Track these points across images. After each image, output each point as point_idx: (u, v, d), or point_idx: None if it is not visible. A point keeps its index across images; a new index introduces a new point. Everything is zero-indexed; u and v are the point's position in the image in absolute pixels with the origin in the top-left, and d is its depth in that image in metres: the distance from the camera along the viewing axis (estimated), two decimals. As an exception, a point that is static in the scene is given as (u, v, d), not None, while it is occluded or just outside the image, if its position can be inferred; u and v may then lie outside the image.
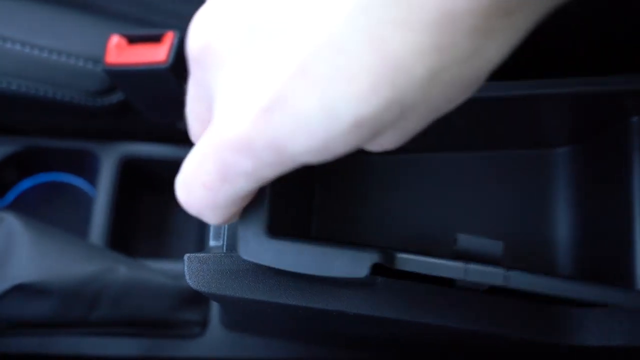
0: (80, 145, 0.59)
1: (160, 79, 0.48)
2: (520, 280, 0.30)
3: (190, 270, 0.33)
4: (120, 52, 0.48)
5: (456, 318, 0.35)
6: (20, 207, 0.63)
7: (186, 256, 0.33)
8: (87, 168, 0.61)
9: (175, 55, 0.47)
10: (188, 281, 0.33)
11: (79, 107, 0.53)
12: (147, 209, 0.65)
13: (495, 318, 0.35)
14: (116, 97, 0.55)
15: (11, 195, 0.63)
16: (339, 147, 0.19)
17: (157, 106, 0.52)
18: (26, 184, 0.64)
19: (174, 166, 0.60)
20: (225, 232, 0.35)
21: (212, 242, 0.37)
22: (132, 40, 0.49)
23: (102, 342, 0.52)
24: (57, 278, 0.45)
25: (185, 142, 0.60)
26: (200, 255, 0.33)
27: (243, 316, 0.46)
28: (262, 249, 0.29)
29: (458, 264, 0.30)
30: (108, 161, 0.58)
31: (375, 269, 0.29)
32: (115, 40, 0.49)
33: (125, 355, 0.52)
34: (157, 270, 0.51)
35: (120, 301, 0.48)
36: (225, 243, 0.35)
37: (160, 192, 0.65)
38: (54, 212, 0.64)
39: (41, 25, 0.51)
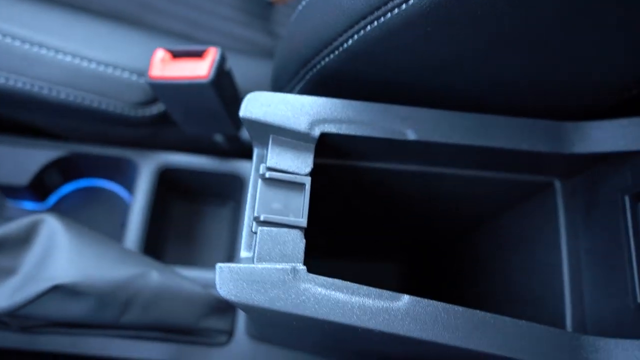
0: (121, 153, 0.61)
1: (201, 92, 0.50)
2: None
3: (221, 279, 0.34)
4: (164, 66, 0.50)
5: (480, 340, 0.35)
6: (60, 210, 0.65)
7: (218, 266, 0.34)
8: (126, 175, 0.63)
9: (216, 70, 0.49)
10: (219, 290, 0.34)
11: (122, 117, 0.55)
12: (180, 216, 0.67)
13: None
14: (157, 109, 0.57)
15: (53, 199, 0.65)
16: None
17: (195, 119, 0.54)
18: (67, 188, 0.66)
19: (208, 177, 0.62)
20: (257, 244, 0.36)
21: (243, 253, 0.38)
22: (176, 55, 0.51)
23: (131, 345, 0.53)
24: (94, 281, 0.46)
25: (220, 154, 0.62)
26: (232, 265, 0.34)
27: (270, 327, 0.47)
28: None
29: None
30: (146, 169, 0.60)
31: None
32: (160, 54, 0.51)
33: (152, 359, 0.53)
34: (187, 278, 0.53)
35: (151, 306, 0.49)
36: (256, 254, 0.36)
37: (193, 201, 0.66)
38: (93, 216, 0.66)
39: (91, 38, 0.54)
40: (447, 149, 0.42)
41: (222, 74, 0.48)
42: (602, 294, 0.44)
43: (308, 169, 0.38)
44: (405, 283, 0.76)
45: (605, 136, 0.42)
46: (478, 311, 0.37)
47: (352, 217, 0.60)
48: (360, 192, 0.51)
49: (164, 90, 0.51)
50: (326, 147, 0.42)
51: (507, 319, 0.37)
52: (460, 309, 0.36)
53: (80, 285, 0.46)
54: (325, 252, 0.72)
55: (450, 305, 0.36)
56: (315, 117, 0.39)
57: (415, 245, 0.72)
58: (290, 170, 0.38)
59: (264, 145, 0.40)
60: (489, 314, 0.37)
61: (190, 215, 0.66)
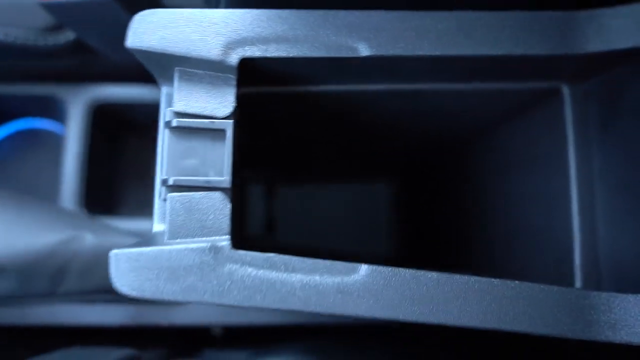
0: (43, 91, 0.51)
1: (107, 12, 0.39)
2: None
3: (117, 270, 0.26)
4: (54, -20, 0.39)
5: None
6: (-4, 158, 0.57)
7: (112, 253, 0.26)
8: (57, 113, 0.54)
9: (118, -20, 0.38)
10: (114, 284, 0.26)
11: (28, 47, 0.45)
12: (137, 158, 0.58)
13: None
14: (71, 34, 0.46)
15: (-17, 147, 0.57)
16: None
17: (114, 43, 0.44)
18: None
19: (152, 109, 0.53)
20: (168, 216, 0.28)
21: (156, 226, 0.30)
22: (71, -37, 0.39)
23: (82, 310, 0.47)
24: (10, 253, 0.39)
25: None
26: (131, 251, 0.26)
27: None
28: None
29: None
30: (76, 107, 0.51)
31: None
32: (49, -36, 0.39)
33: (108, 324, 0.47)
34: (132, 233, 0.45)
35: (89, 272, 0.43)
36: (167, 230, 0.28)
37: (144, 138, 0.57)
38: (34, 162, 0.58)
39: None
40: (415, 62, 0.31)
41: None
42: (619, 227, 0.35)
43: (228, 110, 0.29)
44: (397, 207, 0.68)
45: (629, 27, 0.31)
46: (458, 276, 0.29)
47: (315, 145, 0.51)
48: (313, 120, 0.42)
49: (60, 13, 0.40)
50: (255, 72, 0.32)
51: (495, 281, 0.29)
52: (435, 275, 0.29)
53: (-7, 261, 0.39)
54: (301, 178, 0.64)
55: (422, 271, 0.28)
56: (231, 37, 0.29)
57: (404, 166, 0.63)
58: (206, 113, 0.29)
59: (170, 82, 0.30)
60: (472, 278, 0.29)
61: (150, 154, 0.57)
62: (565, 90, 0.38)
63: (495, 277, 0.45)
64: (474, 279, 0.29)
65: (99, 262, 0.43)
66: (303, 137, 0.48)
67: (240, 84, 0.33)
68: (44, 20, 0.45)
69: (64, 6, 0.39)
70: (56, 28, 0.45)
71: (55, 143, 0.58)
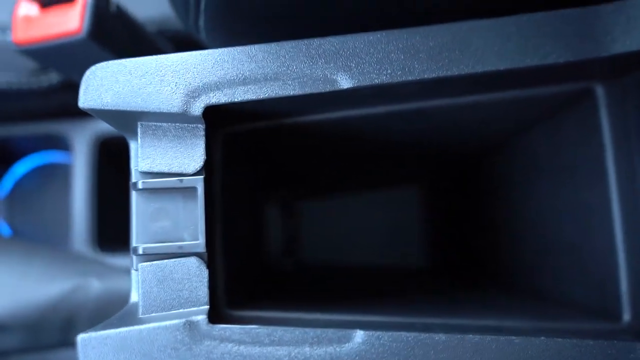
0: (47, 128, 0.50)
1: (82, 51, 0.37)
2: None
3: (85, 356, 0.24)
4: (28, 25, 0.37)
5: None
6: (16, 197, 0.57)
7: (80, 337, 0.24)
8: (66, 148, 0.53)
9: (92, 18, 0.36)
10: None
11: (22, 91, 0.44)
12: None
13: None
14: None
15: (5, 187, 0.57)
16: None
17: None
18: (19, 170, 0.58)
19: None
20: (140, 287, 0.25)
21: (133, 295, 0.27)
22: (45, 3, 0.37)
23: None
24: (15, 310, 0.38)
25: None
26: (100, 334, 0.24)
27: None
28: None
29: None
30: (80, 140, 0.50)
31: None
32: (23, 8, 0.37)
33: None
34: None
35: (100, 318, 0.41)
36: (140, 304, 0.25)
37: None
38: (49, 193, 0.58)
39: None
40: (409, 87, 0.27)
41: (104, 20, 0.34)
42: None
43: (198, 165, 0.26)
44: (425, 218, 0.63)
45: None
46: (470, 336, 0.25)
47: (326, 164, 0.47)
48: (314, 145, 0.38)
49: (36, 56, 0.38)
50: (231, 114, 0.28)
51: (516, 340, 0.25)
52: (443, 337, 0.25)
53: (-2, 320, 0.38)
54: (320, 195, 0.60)
55: (426, 334, 0.25)
56: (192, 85, 0.26)
57: (430, 177, 0.58)
58: (174, 170, 0.26)
59: (136, 137, 0.27)
60: (487, 338, 0.25)
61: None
62: (600, 91, 0.33)
63: (525, 297, 0.40)
64: (489, 338, 0.25)
65: (108, 306, 0.42)
66: (311, 160, 0.44)
67: (219, 127, 0.30)
68: (33, 63, 0.43)
69: (41, 50, 0.37)
70: (45, 68, 0.44)
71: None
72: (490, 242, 0.48)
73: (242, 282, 0.36)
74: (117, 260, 0.48)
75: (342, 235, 0.60)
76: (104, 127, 0.51)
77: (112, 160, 0.52)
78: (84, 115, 0.51)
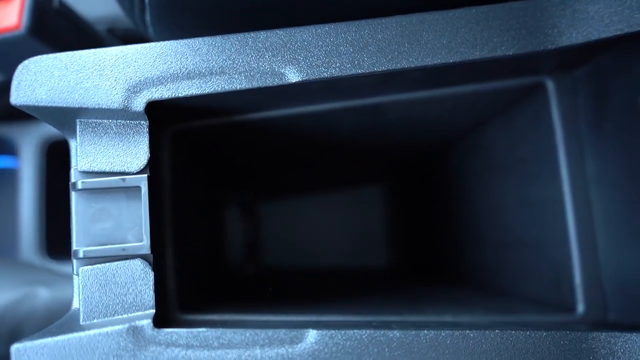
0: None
1: (23, 48, 0.35)
2: None
3: (21, 368, 0.22)
4: (-37, 21, 0.35)
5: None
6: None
7: (14, 347, 0.22)
8: (14, 152, 0.50)
9: (32, 12, 0.34)
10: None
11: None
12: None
13: None
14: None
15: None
16: None
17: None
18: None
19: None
20: (80, 293, 0.24)
21: (75, 301, 0.26)
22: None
23: None
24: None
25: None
26: (35, 343, 0.23)
27: None
28: None
29: None
30: (27, 144, 0.48)
31: None
32: (-42, 3, 0.35)
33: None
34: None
35: (48, 323, 0.39)
36: (82, 311, 0.24)
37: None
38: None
39: None
40: (359, 80, 0.27)
41: (46, 16, 0.33)
42: (622, 239, 0.30)
43: (141, 163, 0.25)
44: (388, 214, 0.63)
45: (607, 12, 0.26)
46: (425, 331, 0.25)
47: (284, 163, 0.46)
48: (269, 143, 0.37)
49: (-26, 55, 0.36)
50: (177, 110, 0.27)
51: (471, 333, 0.25)
52: (397, 333, 0.24)
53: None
54: (281, 194, 0.60)
55: (380, 331, 0.24)
56: (132, 79, 0.25)
57: (390, 173, 0.58)
58: (116, 169, 0.25)
59: (75, 135, 0.26)
60: (442, 332, 0.25)
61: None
62: (550, 85, 0.33)
63: (486, 293, 0.40)
64: (445, 333, 0.25)
65: (57, 315, 0.40)
66: (267, 159, 0.43)
67: (166, 125, 0.29)
68: (-29, 62, 0.41)
69: (-24, 49, 0.35)
70: (-15, 68, 0.42)
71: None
72: (452, 240, 0.48)
73: (199, 285, 0.35)
74: (67, 267, 0.46)
75: (305, 237, 0.60)
76: (52, 129, 0.49)
77: (61, 163, 0.50)
78: (31, 118, 0.49)
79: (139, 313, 0.24)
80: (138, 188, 0.25)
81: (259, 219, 0.58)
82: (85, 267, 0.24)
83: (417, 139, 0.43)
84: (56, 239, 0.48)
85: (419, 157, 0.50)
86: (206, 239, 0.43)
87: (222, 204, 0.54)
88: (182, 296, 0.29)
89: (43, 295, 0.39)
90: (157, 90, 0.25)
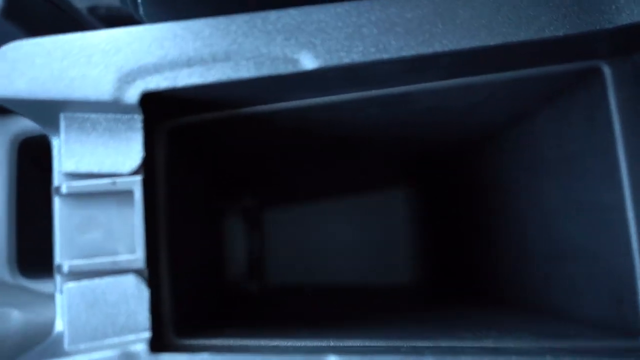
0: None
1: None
2: None
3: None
4: None
5: None
6: None
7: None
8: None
9: (6, -9, 0.35)
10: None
11: None
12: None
13: None
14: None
15: None
16: None
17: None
18: None
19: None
20: (66, 313, 0.25)
21: (58, 323, 0.27)
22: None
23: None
24: None
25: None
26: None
27: None
28: None
29: None
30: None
31: None
32: None
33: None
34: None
35: (22, 350, 0.41)
36: (66, 334, 0.25)
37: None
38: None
39: None
40: (384, 66, 0.27)
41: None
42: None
43: (135, 164, 0.26)
44: (414, 222, 0.64)
45: None
46: (463, 359, 0.25)
47: (300, 166, 0.47)
48: (283, 139, 0.38)
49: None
50: (177, 102, 0.28)
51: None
52: (431, 360, 0.25)
53: None
54: (299, 196, 0.60)
55: (416, 358, 0.25)
56: (125, 67, 0.26)
57: (419, 174, 0.59)
58: (106, 170, 0.26)
59: (57, 132, 0.27)
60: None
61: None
62: (607, 70, 0.33)
63: (533, 314, 0.41)
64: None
65: (32, 342, 0.41)
66: (275, 160, 0.44)
67: (162, 120, 0.30)
68: None
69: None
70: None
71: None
72: (487, 251, 0.49)
73: (196, 305, 0.36)
74: (43, 286, 0.47)
75: (316, 250, 0.60)
76: (27, 123, 0.50)
77: (36, 164, 0.51)
78: (2, 110, 0.50)
79: (133, 336, 0.25)
80: (131, 192, 0.26)
81: (264, 229, 0.59)
82: (71, 284, 0.25)
83: (449, 134, 0.43)
84: (30, 253, 0.49)
85: (450, 154, 0.51)
86: (206, 252, 0.44)
87: (224, 212, 0.54)
88: (179, 317, 0.29)
89: (16, 318, 0.40)
90: (153, 79, 0.26)
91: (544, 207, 0.41)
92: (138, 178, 0.26)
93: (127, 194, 0.26)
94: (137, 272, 0.26)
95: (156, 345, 0.25)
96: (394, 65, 0.28)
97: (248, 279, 0.56)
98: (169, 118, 0.30)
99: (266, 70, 0.26)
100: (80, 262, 0.25)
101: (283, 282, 0.60)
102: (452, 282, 0.57)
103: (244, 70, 0.26)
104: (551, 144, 0.40)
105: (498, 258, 0.48)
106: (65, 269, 0.25)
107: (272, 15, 0.26)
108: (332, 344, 0.29)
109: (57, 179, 0.26)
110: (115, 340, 0.25)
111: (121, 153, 0.26)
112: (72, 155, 0.26)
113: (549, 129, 0.39)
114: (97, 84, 0.25)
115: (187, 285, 0.33)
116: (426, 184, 0.62)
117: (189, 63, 0.26)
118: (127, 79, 0.26)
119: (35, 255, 0.51)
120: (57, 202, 0.26)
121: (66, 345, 0.25)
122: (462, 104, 0.36)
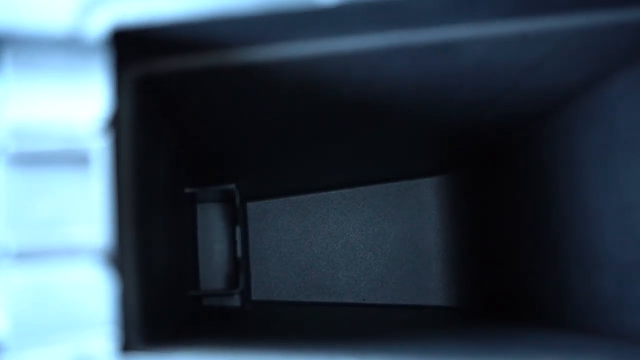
0: None
1: None
2: None
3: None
4: None
5: None
6: None
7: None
8: None
9: None
10: None
11: None
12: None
13: None
14: None
15: None
16: None
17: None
18: None
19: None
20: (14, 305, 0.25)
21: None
22: None
23: None
24: None
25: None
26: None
27: None
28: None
29: None
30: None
31: None
32: None
33: None
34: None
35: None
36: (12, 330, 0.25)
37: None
38: None
39: None
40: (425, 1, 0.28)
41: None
42: None
43: (97, 119, 0.26)
44: (453, 208, 0.64)
45: None
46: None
47: (304, 132, 0.48)
48: (280, 108, 0.39)
49: None
50: (146, 37, 0.28)
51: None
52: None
53: None
54: (297, 183, 0.61)
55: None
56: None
57: (455, 155, 0.59)
58: (59, 127, 0.26)
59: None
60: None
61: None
62: None
63: (598, 335, 0.41)
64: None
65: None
66: (271, 130, 0.45)
67: (128, 62, 0.30)
68: None
69: None
70: None
71: None
72: (541, 257, 0.49)
73: (164, 309, 0.36)
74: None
75: (315, 254, 0.61)
76: None
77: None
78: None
79: (92, 334, 0.25)
80: (93, 153, 0.26)
81: (249, 224, 0.59)
82: (15, 269, 0.25)
83: (497, 101, 0.44)
84: None
85: (497, 130, 0.51)
86: (176, 245, 0.44)
87: (198, 199, 0.55)
88: (146, 319, 0.30)
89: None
90: (122, 5, 0.26)
91: (618, 201, 0.42)
92: (101, 136, 0.26)
93: (88, 156, 0.26)
94: (99, 254, 0.26)
95: (121, 345, 0.25)
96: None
97: (227, 287, 0.56)
98: (138, 61, 0.30)
99: (271, 4, 0.26)
100: (28, 242, 0.25)
101: (270, 293, 0.60)
102: (490, 296, 0.58)
103: (242, 2, 0.26)
104: (634, 118, 0.40)
105: (554, 267, 0.48)
106: (13, 249, 0.25)
107: None
108: None
109: (1, 136, 0.26)
110: (71, 338, 0.25)
111: (79, 106, 0.26)
112: (17, 107, 0.26)
113: (631, 98, 0.39)
114: (50, 12, 0.26)
115: (155, 280, 0.33)
116: (460, 171, 0.62)
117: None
118: (89, 3, 0.26)
119: None
120: (1, 165, 0.26)
121: (8, 346, 0.25)
122: (518, 59, 0.37)
